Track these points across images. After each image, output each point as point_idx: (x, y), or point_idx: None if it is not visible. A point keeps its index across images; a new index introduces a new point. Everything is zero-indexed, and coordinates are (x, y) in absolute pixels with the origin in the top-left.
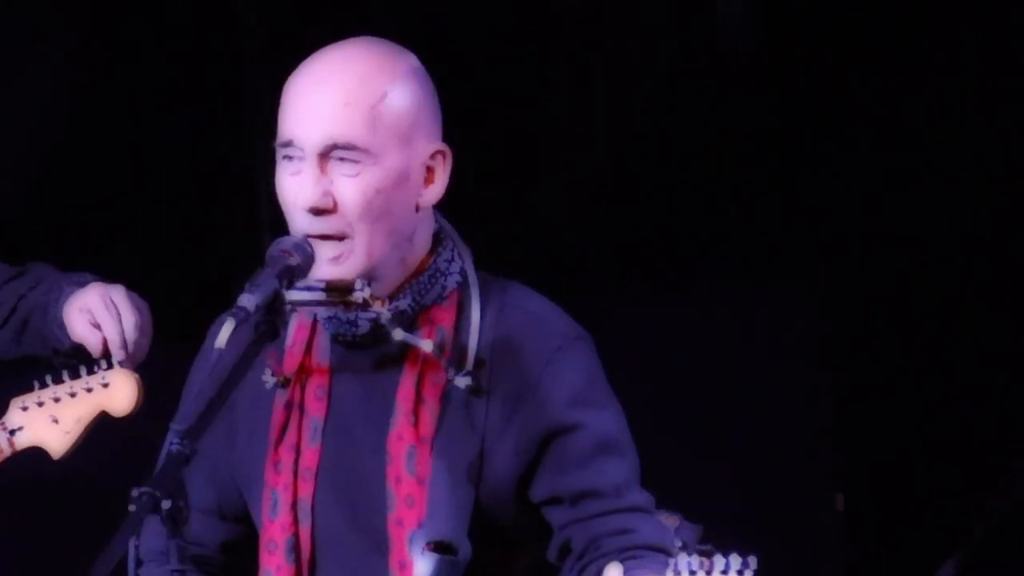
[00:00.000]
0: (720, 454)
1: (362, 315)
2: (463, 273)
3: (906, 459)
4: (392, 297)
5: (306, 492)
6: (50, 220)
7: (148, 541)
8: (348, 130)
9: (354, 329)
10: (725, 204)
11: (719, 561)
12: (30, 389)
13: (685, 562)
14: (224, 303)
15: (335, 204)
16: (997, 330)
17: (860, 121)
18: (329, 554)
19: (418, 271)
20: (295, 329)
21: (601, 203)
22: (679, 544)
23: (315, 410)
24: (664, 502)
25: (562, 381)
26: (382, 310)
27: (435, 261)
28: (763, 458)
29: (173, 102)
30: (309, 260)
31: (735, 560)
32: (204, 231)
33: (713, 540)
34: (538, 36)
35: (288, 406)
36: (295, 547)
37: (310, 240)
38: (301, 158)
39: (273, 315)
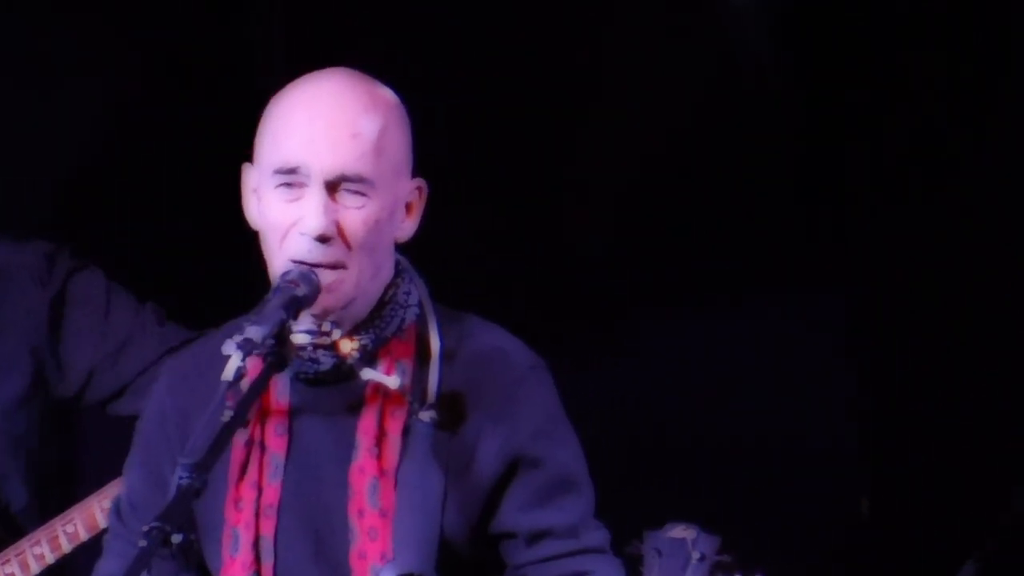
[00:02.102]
0: (742, 462)
1: (325, 354)
2: (420, 305)
3: (932, 464)
4: (354, 331)
5: (268, 529)
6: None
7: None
8: (358, 162)
9: (316, 366)
10: (752, 213)
11: None
12: None
13: None
14: None
15: (339, 233)
16: None
17: (888, 128)
18: None
19: (379, 304)
20: (250, 367)
21: (629, 217)
22: (698, 556)
23: (276, 447)
24: (685, 511)
25: (523, 413)
26: (351, 352)
27: (395, 294)
28: (788, 465)
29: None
30: (315, 290)
31: None
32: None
33: (733, 550)
34: (562, 45)
35: (248, 444)
36: None
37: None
38: (303, 185)
39: (281, 346)
